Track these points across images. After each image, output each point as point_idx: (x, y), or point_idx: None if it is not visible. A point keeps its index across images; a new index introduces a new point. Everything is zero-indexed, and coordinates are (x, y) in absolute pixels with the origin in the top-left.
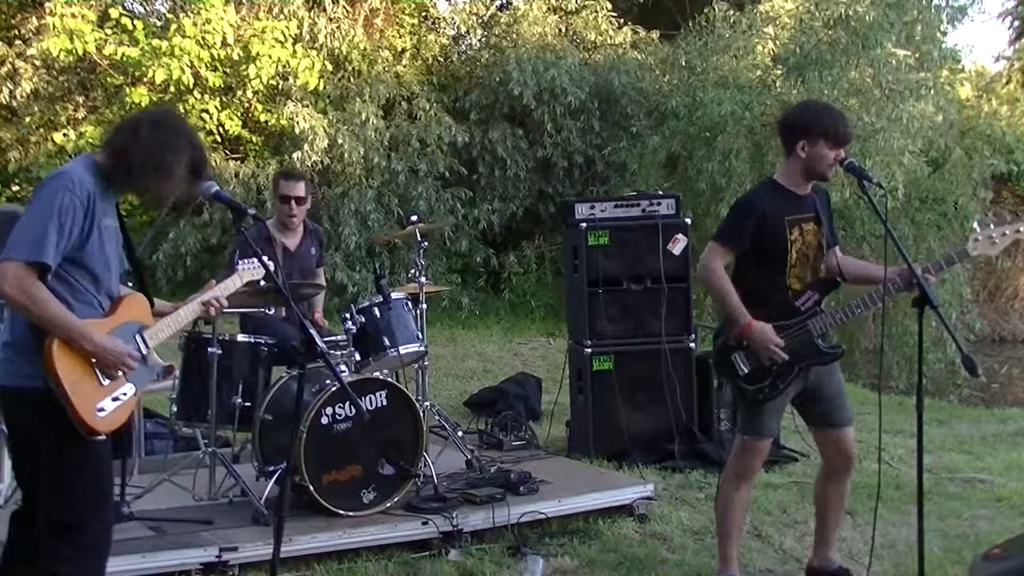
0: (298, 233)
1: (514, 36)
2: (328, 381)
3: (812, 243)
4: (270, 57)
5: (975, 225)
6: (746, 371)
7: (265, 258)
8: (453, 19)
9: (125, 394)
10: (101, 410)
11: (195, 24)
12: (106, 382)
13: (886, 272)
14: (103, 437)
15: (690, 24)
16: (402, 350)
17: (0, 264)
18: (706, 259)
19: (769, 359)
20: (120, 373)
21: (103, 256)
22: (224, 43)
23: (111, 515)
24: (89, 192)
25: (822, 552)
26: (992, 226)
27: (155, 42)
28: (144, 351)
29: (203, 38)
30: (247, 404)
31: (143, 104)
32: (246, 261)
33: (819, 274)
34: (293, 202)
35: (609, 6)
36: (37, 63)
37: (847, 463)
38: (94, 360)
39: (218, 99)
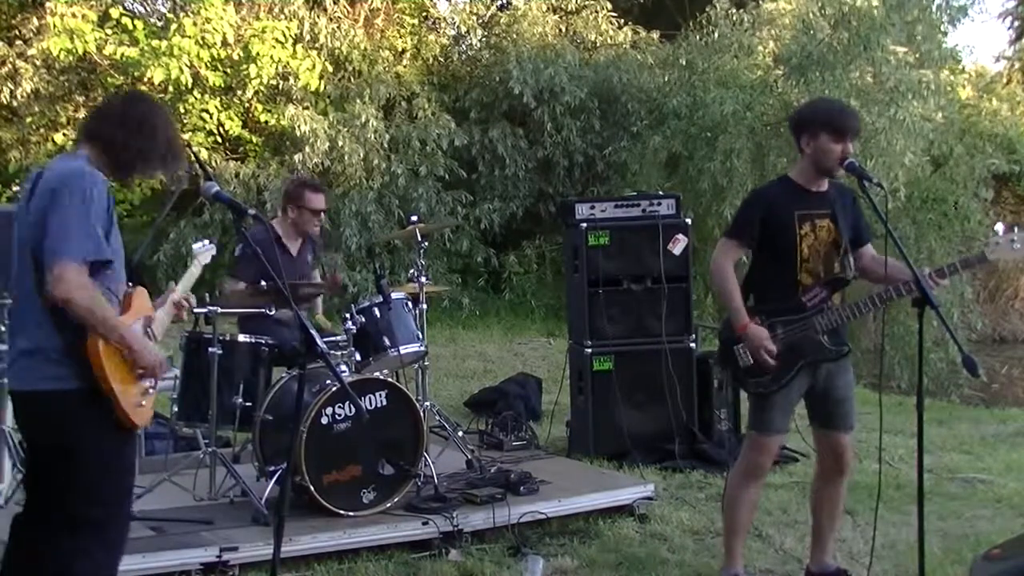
0: (299, 239)
1: (514, 36)
2: (328, 381)
3: (825, 240)
4: (271, 58)
5: (997, 228)
6: (748, 364)
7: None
8: (453, 19)
9: (153, 388)
10: (140, 405)
11: (195, 24)
12: (139, 378)
13: (886, 276)
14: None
15: (691, 24)
16: (402, 350)
17: (57, 267)
18: (717, 255)
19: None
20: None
21: (119, 249)
22: (224, 43)
23: (129, 510)
24: (106, 186)
25: (818, 556)
26: (1016, 230)
27: (155, 42)
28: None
29: (203, 38)
30: (247, 404)
31: None
32: (203, 244)
33: (832, 272)
34: (322, 214)
35: (609, 6)
36: (38, 63)
37: (840, 467)
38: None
39: (218, 99)
